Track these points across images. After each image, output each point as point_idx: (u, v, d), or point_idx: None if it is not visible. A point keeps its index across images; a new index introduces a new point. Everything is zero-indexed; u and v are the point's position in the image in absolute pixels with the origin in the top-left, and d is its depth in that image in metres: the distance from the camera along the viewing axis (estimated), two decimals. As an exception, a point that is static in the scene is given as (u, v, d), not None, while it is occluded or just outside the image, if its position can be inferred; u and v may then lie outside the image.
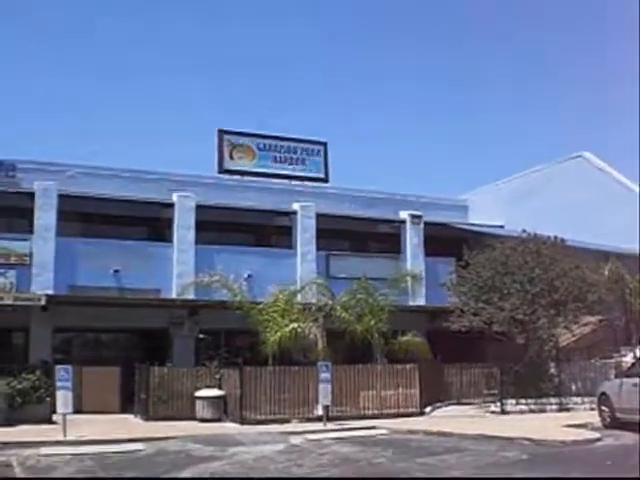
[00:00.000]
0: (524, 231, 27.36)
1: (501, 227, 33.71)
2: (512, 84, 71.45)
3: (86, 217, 29.09)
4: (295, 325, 23.75)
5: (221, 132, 33.79)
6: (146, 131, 71.22)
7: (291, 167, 34.54)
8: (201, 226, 29.02)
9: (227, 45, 71.60)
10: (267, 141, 34.46)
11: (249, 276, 28.24)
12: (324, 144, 35.40)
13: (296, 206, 31.48)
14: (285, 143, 34.78)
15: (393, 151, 72.18)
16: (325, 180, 34.99)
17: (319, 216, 30.98)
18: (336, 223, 31.56)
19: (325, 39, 72.23)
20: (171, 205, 29.38)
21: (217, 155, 33.49)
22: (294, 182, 34.28)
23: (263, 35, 71.33)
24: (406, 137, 72.77)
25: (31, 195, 27.13)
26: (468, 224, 34.54)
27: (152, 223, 30.63)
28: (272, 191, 32.69)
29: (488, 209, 35.43)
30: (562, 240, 26.71)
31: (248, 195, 31.75)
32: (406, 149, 72.98)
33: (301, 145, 34.96)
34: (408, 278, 30.06)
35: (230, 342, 27.50)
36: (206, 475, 13.47)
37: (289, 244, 31.23)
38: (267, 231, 32.44)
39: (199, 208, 29.30)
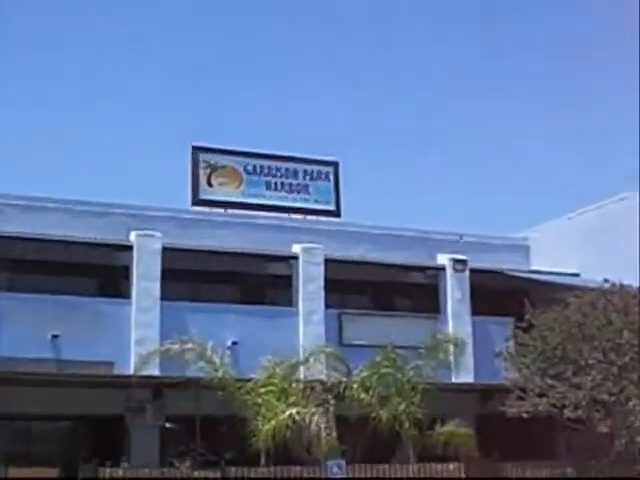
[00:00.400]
0: (606, 280, 26.85)
1: (576, 275, 33.20)
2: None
3: (15, 264, 28.89)
4: (293, 411, 23.18)
5: (196, 150, 33.07)
6: (96, 150, 70.45)
7: (291, 196, 34.16)
8: (169, 276, 28.61)
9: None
10: (258, 161, 33.76)
11: (234, 344, 28.03)
12: (335, 164, 34.89)
13: (297, 248, 30.96)
14: (283, 164, 34.31)
15: (426, 178, 71.30)
16: (336, 214, 34.48)
17: (328, 262, 30.49)
18: (351, 271, 31.24)
19: (344, 41, 71.95)
20: (129, 248, 28.84)
21: (191, 181, 32.94)
22: (295, 216, 33.89)
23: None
24: (442, 162, 71.73)
25: None
26: (530, 271, 33.86)
27: (104, 272, 30.30)
28: (265, 228, 32.11)
29: (557, 250, 34.64)
30: (660, 293, 25.98)
31: (232, 234, 31.13)
32: (443, 176, 71.96)
33: (304, 167, 34.55)
34: (450, 345, 29.20)
35: (208, 433, 26.53)
36: None
37: (288, 300, 30.74)
38: (259, 282, 32.04)
39: (167, 252, 28.71)
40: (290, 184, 34.16)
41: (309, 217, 34.08)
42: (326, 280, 30.76)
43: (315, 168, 34.64)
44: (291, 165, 34.56)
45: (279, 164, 34.42)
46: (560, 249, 34.84)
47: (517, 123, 72.58)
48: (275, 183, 34.11)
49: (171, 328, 27.26)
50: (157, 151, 68.04)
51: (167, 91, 74.62)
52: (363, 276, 32.43)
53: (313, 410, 23.63)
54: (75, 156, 69.18)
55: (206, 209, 32.88)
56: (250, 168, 33.97)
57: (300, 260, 30.80)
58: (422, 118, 72.21)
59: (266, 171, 34.02)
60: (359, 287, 33.36)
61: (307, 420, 23.42)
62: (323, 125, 65.70)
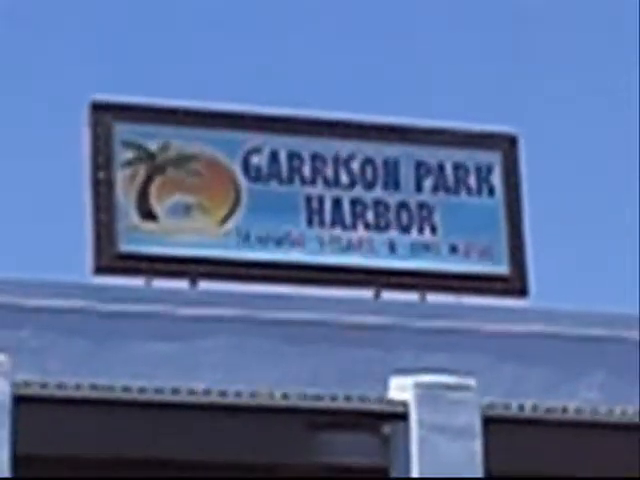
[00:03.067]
0: None
1: None
2: None
3: None
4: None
5: (100, 111, 14.93)
6: None
7: (383, 237, 15.11)
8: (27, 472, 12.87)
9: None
10: (282, 140, 15.24)
11: None
12: (511, 140, 16.00)
13: (400, 388, 13.92)
14: (358, 146, 15.35)
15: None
16: (520, 292, 15.38)
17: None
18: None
19: None
20: None
21: (91, 206, 14.50)
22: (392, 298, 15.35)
23: None
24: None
25: None
26: None
27: None
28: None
29: None
30: None
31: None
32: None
33: (416, 149, 15.50)
34: None
35: None
36: None
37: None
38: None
39: (25, 404, 12.56)
40: (383, 206, 15.48)
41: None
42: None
43: (462, 153, 15.98)
44: (380, 148, 15.43)
45: (343, 149, 15.45)
46: None
47: None
48: (337, 203, 15.28)
49: None
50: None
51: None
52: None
53: None
54: None
55: (132, 282, 14.66)
56: (262, 163, 15.15)
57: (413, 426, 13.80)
58: None
59: (307, 171, 15.19)
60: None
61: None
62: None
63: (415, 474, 12.72)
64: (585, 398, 13.91)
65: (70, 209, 17.63)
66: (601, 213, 35.22)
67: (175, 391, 11.92)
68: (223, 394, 12.18)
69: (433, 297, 15.18)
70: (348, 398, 12.19)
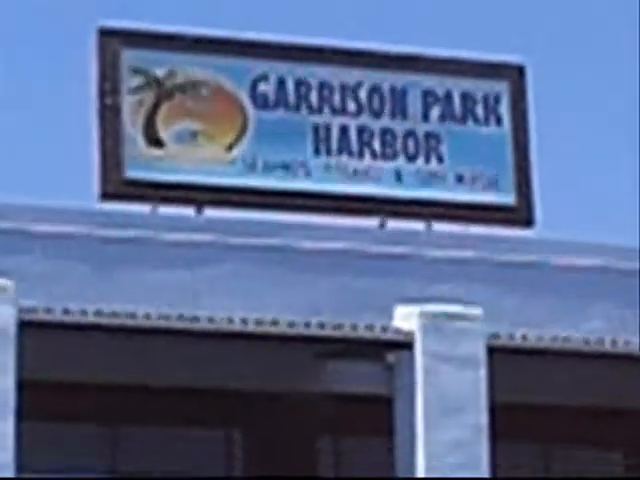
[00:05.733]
0: None
1: None
2: None
3: None
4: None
5: (109, 37, 14.56)
6: None
7: (390, 165, 14.92)
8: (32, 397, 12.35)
9: None
10: (290, 67, 15.09)
11: None
12: (519, 70, 15.96)
13: (405, 318, 13.69)
14: (365, 74, 15.17)
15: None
16: (527, 222, 15.41)
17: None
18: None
19: None
20: None
21: (98, 129, 14.22)
22: (398, 226, 15.53)
23: None
24: None
25: None
26: None
27: None
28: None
29: None
30: None
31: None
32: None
33: (424, 78, 15.37)
34: None
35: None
36: None
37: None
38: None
39: (29, 330, 12.33)
40: (390, 134, 15.23)
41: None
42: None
43: (463, 84, 15.70)
44: (387, 77, 15.28)
45: (351, 75, 15.21)
46: None
47: None
48: (343, 131, 15.09)
49: None
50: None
51: None
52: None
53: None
54: None
55: (138, 208, 14.59)
56: (269, 90, 14.99)
57: (417, 351, 13.86)
58: None
59: (314, 99, 15.12)
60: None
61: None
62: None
63: (419, 403, 12.64)
64: (589, 328, 13.88)
65: (77, 135, 17.54)
66: (608, 144, 35.29)
67: (180, 318, 11.86)
68: (230, 321, 12.14)
69: (439, 226, 15.17)
70: (354, 327, 12.16)
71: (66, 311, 12.27)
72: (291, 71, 14.62)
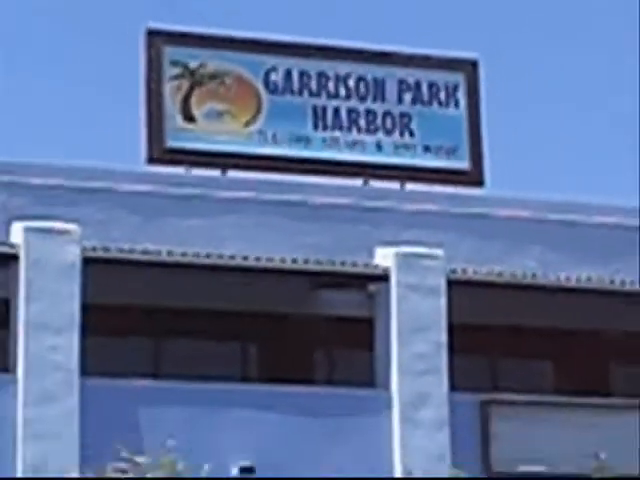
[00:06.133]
0: None
1: None
2: None
3: None
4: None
5: (155, 36, 14.00)
6: None
7: (372, 138, 14.37)
8: (93, 317, 12.07)
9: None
10: (298, 62, 14.36)
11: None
12: (473, 64, 15.04)
13: (383, 257, 13.44)
14: (351, 66, 14.47)
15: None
16: (478, 182, 14.81)
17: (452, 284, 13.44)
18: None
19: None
20: (14, 257, 12.07)
21: (145, 110, 13.69)
22: (378, 186, 14.91)
23: None
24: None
25: None
26: None
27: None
28: (309, 214, 14.11)
29: None
30: None
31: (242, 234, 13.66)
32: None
33: (403, 72, 14.65)
34: None
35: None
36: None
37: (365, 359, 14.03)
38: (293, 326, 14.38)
39: (91, 265, 12.13)
40: (372, 114, 14.64)
41: (414, 187, 14.65)
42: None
43: (430, 74, 14.97)
44: (370, 69, 14.68)
45: (342, 68, 14.56)
46: None
47: None
48: (336, 111, 14.51)
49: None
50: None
51: None
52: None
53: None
54: None
55: (176, 170, 14.00)
56: (278, 79, 14.37)
57: (392, 281, 13.42)
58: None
59: (314, 86, 14.49)
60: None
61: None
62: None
63: (394, 324, 12.64)
64: (527, 266, 13.77)
65: (129, 113, 17.26)
66: (542, 122, 35.13)
67: (208, 255, 11.81)
68: (245, 259, 12.12)
69: (410, 186, 14.78)
70: (342, 263, 12.10)
71: (120, 250, 12.00)
72: (296, 64, 14.24)
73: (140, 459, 11.47)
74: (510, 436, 11.97)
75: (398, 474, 12.27)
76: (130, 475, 10.84)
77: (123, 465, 11.10)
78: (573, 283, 13.53)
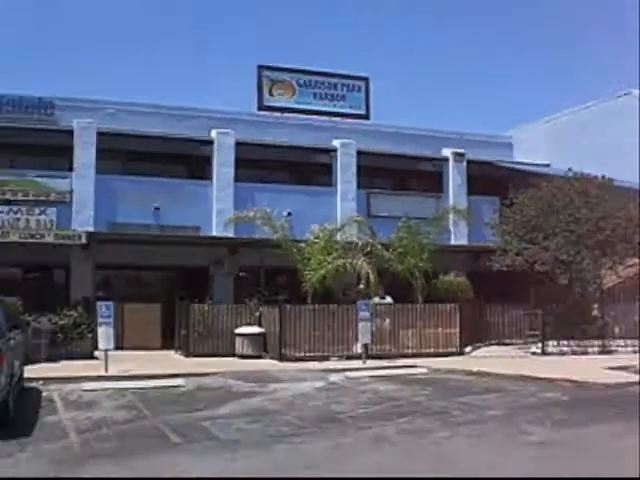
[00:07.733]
0: (570, 170, 27.13)
1: (547, 166, 32.90)
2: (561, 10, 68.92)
3: (125, 154, 29.13)
4: (344, 261, 23.72)
5: (261, 68, 33.50)
6: (186, 68, 70.76)
7: (332, 103, 34.14)
8: (240, 164, 29.13)
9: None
10: (307, 77, 34.04)
11: (289, 214, 27.71)
12: (365, 79, 34.32)
13: (336, 143, 31.40)
14: (325, 79, 34.38)
15: (434, 86, 70.95)
16: (366, 117, 34.53)
17: (360, 154, 30.89)
18: (377, 161, 31.48)
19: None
20: (210, 142, 29.28)
21: (257, 92, 33.14)
22: (334, 119, 33.70)
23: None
24: (447, 71, 71.47)
25: (70, 133, 27.15)
26: (513, 162, 33.80)
27: (191, 160, 30.71)
28: (312, 128, 32.20)
29: (534, 147, 34.25)
30: (610, 180, 26.36)
31: (287, 132, 31.38)
32: (447, 84, 71.86)
33: (342, 81, 34.28)
34: (450, 215, 29.41)
35: (269, 280, 27.54)
36: (246, 410, 13.61)
37: (329, 182, 31.15)
38: (307, 169, 32.34)
39: (238, 145, 29.32)
40: (332, 94, 34.33)
41: (346, 119, 33.98)
42: (358, 167, 31.23)
43: (351, 82, 34.40)
44: (332, 80, 34.41)
45: (323, 79, 34.34)
46: (536, 146, 34.69)
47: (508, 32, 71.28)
48: (320, 94, 34.24)
49: (241, 203, 28.25)
50: (234, 70, 67.76)
51: (238, 22, 74.03)
52: (385, 165, 32.58)
53: (362, 259, 23.82)
54: (172, 69, 69.48)
55: (268, 113, 32.99)
56: (301, 82, 34.12)
57: (338, 152, 31.21)
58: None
59: (313, 84, 34.22)
60: (383, 173, 33.44)
61: (356, 267, 23.90)
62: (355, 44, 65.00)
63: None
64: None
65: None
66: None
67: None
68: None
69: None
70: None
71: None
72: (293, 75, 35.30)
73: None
74: None
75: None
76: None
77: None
78: None
